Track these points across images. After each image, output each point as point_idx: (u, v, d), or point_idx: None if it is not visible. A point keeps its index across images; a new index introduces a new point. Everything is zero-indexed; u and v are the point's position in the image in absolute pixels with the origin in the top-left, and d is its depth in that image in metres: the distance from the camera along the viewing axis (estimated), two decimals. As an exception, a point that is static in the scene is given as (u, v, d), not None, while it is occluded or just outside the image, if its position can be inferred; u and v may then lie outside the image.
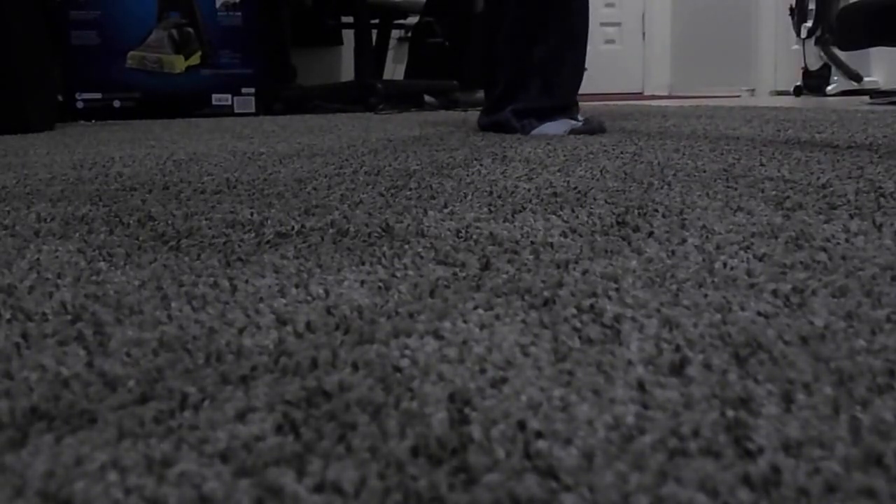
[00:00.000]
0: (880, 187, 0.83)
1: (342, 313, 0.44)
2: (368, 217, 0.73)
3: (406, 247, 0.60)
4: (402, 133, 1.85)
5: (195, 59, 3.08)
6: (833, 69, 4.15)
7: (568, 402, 0.32)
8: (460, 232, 0.66)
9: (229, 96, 3.12)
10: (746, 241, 0.59)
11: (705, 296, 0.46)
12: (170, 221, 0.73)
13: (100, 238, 0.66)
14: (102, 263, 0.57)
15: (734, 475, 0.26)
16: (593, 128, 1.70)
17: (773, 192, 0.81)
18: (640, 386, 0.33)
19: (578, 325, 0.41)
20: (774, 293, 0.46)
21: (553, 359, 0.37)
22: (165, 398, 0.33)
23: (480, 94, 3.37)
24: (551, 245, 0.60)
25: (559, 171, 1.04)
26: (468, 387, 0.34)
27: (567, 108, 1.75)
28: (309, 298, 0.47)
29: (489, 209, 0.76)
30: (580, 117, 1.75)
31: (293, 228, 0.68)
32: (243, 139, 1.76)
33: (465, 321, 0.42)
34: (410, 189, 0.90)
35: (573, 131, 1.67)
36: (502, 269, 0.53)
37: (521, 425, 0.30)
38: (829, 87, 4.17)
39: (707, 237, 0.61)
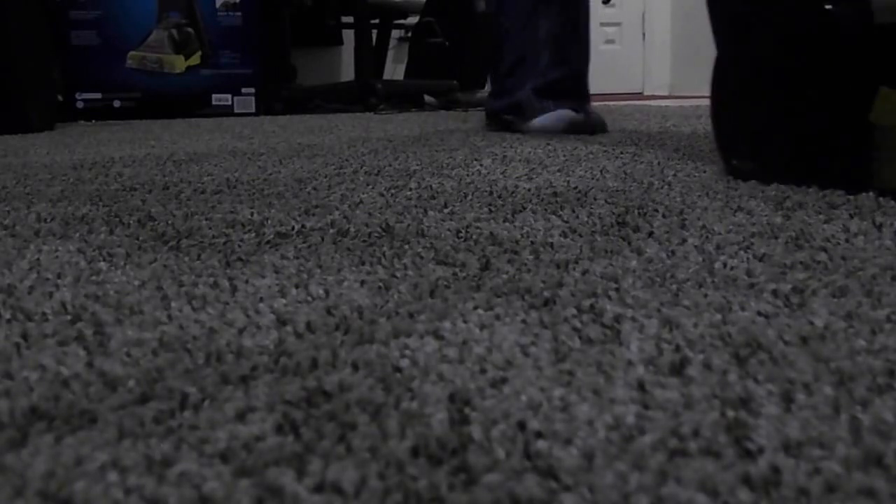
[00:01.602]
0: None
1: (342, 313, 0.44)
2: (368, 217, 0.73)
3: (406, 247, 0.60)
4: (402, 133, 1.85)
5: (195, 59, 3.08)
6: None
7: (568, 402, 0.32)
8: (460, 232, 0.66)
9: (229, 96, 3.12)
10: (746, 241, 0.59)
11: (705, 296, 0.46)
12: (170, 221, 0.73)
13: (100, 238, 0.66)
14: (102, 263, 0.57)
15: (734, 475, 0.26)
16: (594, 123, 1.67)
17: (773, 192, 0.81)
18: (640, 386, 0.33)
19: (578, 325, 0.41)
20: (774, 293, 0.46)
21: (553, 359, 0.37)
22: (165, 398, 0.33)
23: (480, 94, 3.38)
24: (551, 245, 0.60)
25: (559, 171, 1.04)
26: (468, 387, 0.34)
27: (580, 80, 1.72)
28: (309, 298, 0.47)
29: (489, 209, 0.76)
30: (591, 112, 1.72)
31: (293, 228, 0.68)
32: (243, 139, 1.76)
33: (465, 321, 0.42)
34: (410, 189, 0.90)
35: (572, 123, 1.64)
36: (502, 269, 0.53)
37: (521, 425, 0.30)
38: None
39: (707, 237, 0.61)
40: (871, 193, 0.76)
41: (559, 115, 1.66)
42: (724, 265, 0.53)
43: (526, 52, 1.71)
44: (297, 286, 0.50)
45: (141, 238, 0.66)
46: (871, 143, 0.75)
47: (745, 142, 0.91)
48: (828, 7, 0.76)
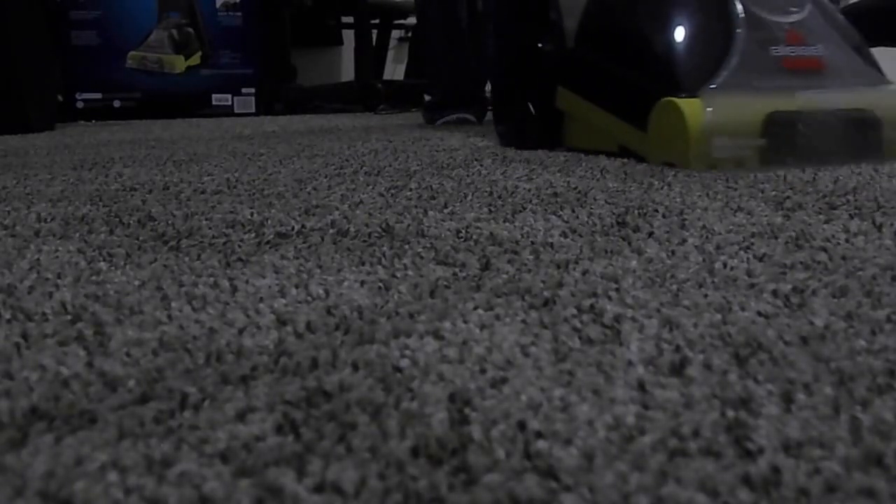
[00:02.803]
0: (880, 187, 0.83)
1: (342, 313, 0.44)
2: (368, 217, 0.73)
3: (406, 247, 0.60)
4: (402, 133, 1.85)
5: (195, 59, 3.08)
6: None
7: (568, 402, 0.32)
8: (460, 232, 0.66)
9: (229, 96, 3.12)
10: (746, 241, 0.59)
11: (705, 296, 0.46)
12: (170, 221, 0.73)
13: (100, 238, 0.66)
14: (102, 263, 0.57)
15: (734, 475, 0.26)
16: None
17: (773, 192, 0.81)
18: (640, 386, 0.33)
19: (578, 325, 0.41)
20: (774, 293, 0.46)
21: (553, 359, 0.37)
22: (165, 398, 0.33)
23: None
24: (551, 245, 0.60)
25: (559, 171, 1.04)
26: (468, 387, 0.34)
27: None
28: (309, 298, 0.47)
29: (489, 209, 0.76)
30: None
31: (293, 228, 0.68)
32: (243, 139, 1.77)
33: (465, 321, 0.42)
34: (410, 189, 0.90)
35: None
36: (502, 269, 0.53)
37: (521, 425, 0.30)
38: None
39: (707, 237, 0.61)
40: (870, 193, 0.76)
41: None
42: (724, 265, 0.53)
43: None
44: (297, 286, 0.50)
45: (141, 238, 0.66)
46: (560, 120, 1.34)
47: (504, 116, 1.51)
48: (539, 45, 1.35)
